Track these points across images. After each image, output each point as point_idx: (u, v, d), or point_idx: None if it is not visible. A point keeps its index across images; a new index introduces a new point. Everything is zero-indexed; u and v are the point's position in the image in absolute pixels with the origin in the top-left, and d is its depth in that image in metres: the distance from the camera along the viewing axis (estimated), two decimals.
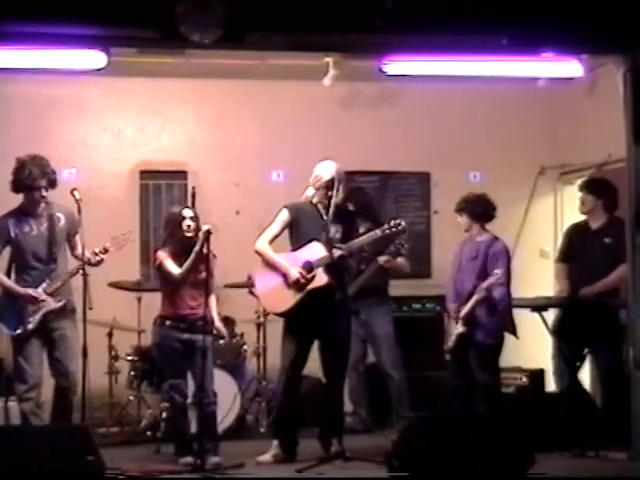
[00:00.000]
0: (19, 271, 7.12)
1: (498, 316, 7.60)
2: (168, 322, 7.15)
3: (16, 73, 7.73)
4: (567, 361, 7.88)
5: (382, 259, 8.23)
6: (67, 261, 7.25)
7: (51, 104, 9.26)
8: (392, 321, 8.51)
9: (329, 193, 7.12)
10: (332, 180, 7.14)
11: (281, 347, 7.29)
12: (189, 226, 7.01)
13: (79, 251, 7.11)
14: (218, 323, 7.28)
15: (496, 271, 7.49)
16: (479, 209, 7.74)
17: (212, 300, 7.24)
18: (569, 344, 7.87)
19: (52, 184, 7.07)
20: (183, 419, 7.15)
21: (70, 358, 7.08)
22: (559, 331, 7.93)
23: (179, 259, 7.07)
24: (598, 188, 7.95)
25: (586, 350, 7.85)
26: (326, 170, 7.20)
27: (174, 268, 7.07)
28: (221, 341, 7.94)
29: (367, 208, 8.43)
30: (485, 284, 7.50)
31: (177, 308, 7.13)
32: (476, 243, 7.76)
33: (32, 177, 6.98)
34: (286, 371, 7.23)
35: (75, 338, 7.09)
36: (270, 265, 7.19)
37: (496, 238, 7.78)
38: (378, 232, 7.17)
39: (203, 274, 7.06)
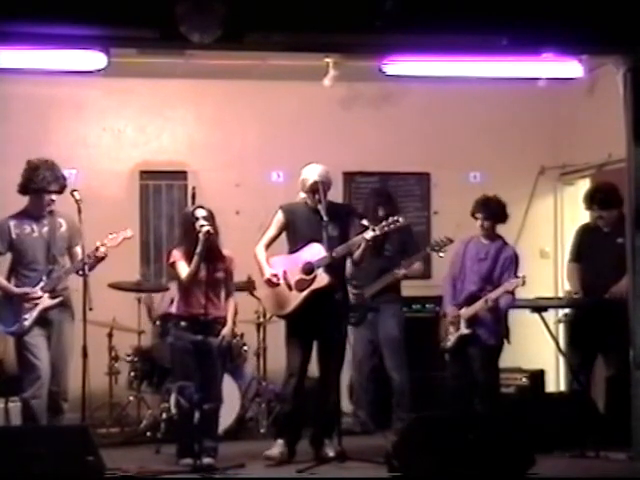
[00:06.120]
0: (19, 272, 7.15)
1: (502, 318, 7.63)
2: (183, 323, 7.13)
3: (16, 73, 7.72)
4: (580, 361, 7.86)
5: (400, 273, 8.31)
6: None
7: (51, 104, 9.27)
8: (401, 323, 8.42)
9: (316, 196, 7.15)
10: (316, 183, 7.15)
11: (287, 350, 7.28)
12: (202, 226, 6.99)
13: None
14: (226, 330, 7.21)
15: (511, 281, 7.48)
16: (501, 212, 7.74)
17: (230, 302, 7.25)
18: (582, 345, 7.86)
19: (62, 189, 7.13)
20: (187, 423, 7.07)
21: (63, 362, 7.12)
22: (573, 332, 7.93)
23: (192, 259, 7.05)
24: (616, 199, 7.81)
25: (599, 350, 7.84)
26: (310, 173, 7.21)
27: (184, 271, 7.06)
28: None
29: (397, 211, 8.22)
30: (494, 295, 7.51)
31: (190, 307, 7.11)
32: (485, 245, 7.75)
33: (45, 181, 7.05)
34: (295, 374, 7.20)
35: (71, 340, 7.13)
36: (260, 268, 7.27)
37: (506, 243, 7.79)
38: (377, 230, 7.17)
39: (219, 274, 7.10)
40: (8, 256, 7.19)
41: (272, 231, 7.34)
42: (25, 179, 7.12)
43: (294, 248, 7.27)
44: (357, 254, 7.20)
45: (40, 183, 7.05)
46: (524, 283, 7.50)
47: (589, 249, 8.02)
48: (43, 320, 7.09)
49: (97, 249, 7.07)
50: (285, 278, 7.23)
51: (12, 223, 7.16)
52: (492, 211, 7.73)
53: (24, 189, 7.15)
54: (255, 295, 8.09)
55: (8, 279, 7.16)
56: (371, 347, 8.48)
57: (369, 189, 9.45)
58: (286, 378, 7.29)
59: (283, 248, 7.39)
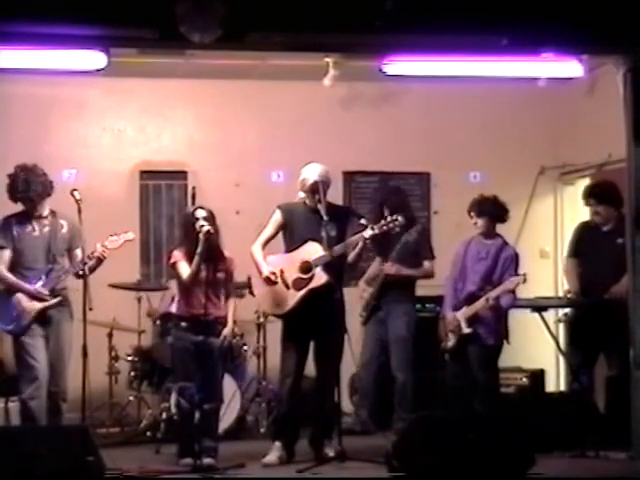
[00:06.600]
0: (18, 271, 7.15)
1: (502, 317, 7.63)
2: (183, 323, 7.13)
3: (16, 73, 7.73)
4: (581, 361, 7.86)
5: (386, 266, 8.21)
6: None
7: (51, 104, 9.27)
8: (411, 322, 8.28)
9: (316, 196, 7.14)
10: (316, 183, 7.15)
11: (282, 349, 7.28)
12: (202, 226, 6.99)
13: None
14: (227, 330, 7.20)
15: (512, 279, 7.48)
16: (498, 211, 7.74)
17: (230, 303, 7.25)
18: (582, 345, 7.86)
19: (44, 195, 7.13)
20: (188, 423, 7.06)
21: (62, 361, 7.12)
22: (573, 332, 7.93)
23: (193, 260, 7.04)
24: (614, 196, 7.81)
25: (601, 350, 7.84)
26: (310, 173, 7.21)
27: (185, 271, 7.06)
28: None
29: (402, 209, 7.91)
30: (494, 293, 7.51)
31: (191, 307, 7.11)
32: (485, 245, 7.75)
33: (23, 189, 7.07)
34: (291, 374, 7.19)
35: (69, 339, 7.14)
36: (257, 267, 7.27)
37: (506, 243, 7.80)
38: (375, 228, 7.15)
39: (220, 274, 7.11)
40: (7, 254, 7.18)
41: (269, 230, 7.33)
42: (8, 186, 7.15)
43: (291, 247, 7.26)
44: (352, 255, 7.19)
45: (20, 192, 7.08)
46: (525, 281, 7.49)
47: (587, 247, 8.02)
48: (41, 319, 7.10)
49: (95, 250, 7.09)
50: (282, 277, 7.23)
51: (14, 221, 7.19)
52: (484, 209, 7.73)
53: (10, 197, 7.18)
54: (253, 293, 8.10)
55: None
56: (380, 346, 8.39)
57: (371, 189, 9.46)
58: (281, 379, 7.29)
59: (280, 248, 7.39)
